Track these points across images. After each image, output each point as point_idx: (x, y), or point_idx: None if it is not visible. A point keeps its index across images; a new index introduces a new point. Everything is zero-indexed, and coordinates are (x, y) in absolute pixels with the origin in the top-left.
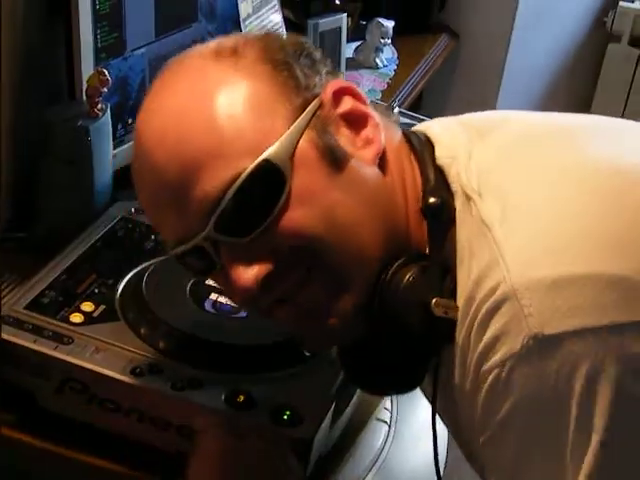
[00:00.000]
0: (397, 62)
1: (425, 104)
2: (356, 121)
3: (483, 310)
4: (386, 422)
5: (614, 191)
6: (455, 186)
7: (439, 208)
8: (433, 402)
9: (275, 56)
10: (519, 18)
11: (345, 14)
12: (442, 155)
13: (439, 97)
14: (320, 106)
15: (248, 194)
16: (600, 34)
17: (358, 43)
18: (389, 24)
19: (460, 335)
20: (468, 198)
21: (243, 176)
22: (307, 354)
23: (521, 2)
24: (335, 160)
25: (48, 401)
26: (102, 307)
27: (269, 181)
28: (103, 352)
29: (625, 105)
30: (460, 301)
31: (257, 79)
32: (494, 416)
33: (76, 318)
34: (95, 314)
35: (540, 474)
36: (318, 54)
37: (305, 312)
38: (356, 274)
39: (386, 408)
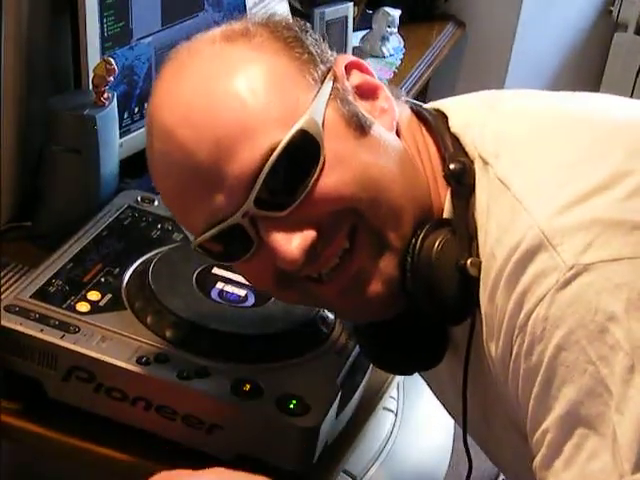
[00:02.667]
0: (403, 51)
1: (431, 93)
2: (368, 93)
3: (511, 264)
4: (392, 411)
5: (622, 138)
6: (472, 152)
7: (461, 173)
8: (465, 369)
9: (284, 34)
10: (525, 7)
11: (351, 3)
12: (456, 123)
13: (445, 86)
14: (336, 78)
15: (286, 164)
16: (606, 23)
17: (364, 32)
18: (395, 13)
19: (483, 298)
20: (485, 162)
21: (280, 146)
22: (314, 342)
23: None
24: (360, 125)
25: (55, 390)
26: (108, 296)
27: (305, 150)
28: (109, 341)
29: (632, 94)
30: (483, 255)
31: (274, 55)
32: (538, 366)
33: (82, 307)
34: (101, 303)
35: (592, 405)
36: (316, 34)
37: (351, 284)
38: (393, 233)
39: (392, 397)
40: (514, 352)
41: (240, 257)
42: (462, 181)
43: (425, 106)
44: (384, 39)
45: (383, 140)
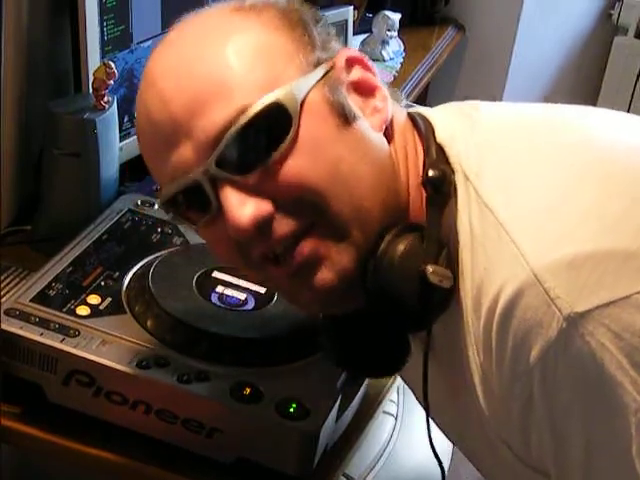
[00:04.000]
0: (403, 55)
1: (431, 96)
2: (365, 90)
3: (502, 301)
4: (392, 415)
5: (609, 170)
6: (455, 165)
7: (439, 181)
8: (424, 382)
9: (293, 15)
10: (525, 11)
11: (351, 7)
12: (442, 134)
13: (445, 89)
14: (333, 68)
15: (253, 130)
16: (606, 27)
17: (364, 36)
18: (395, 17)
19: (477, 326)
20: (466, 178)
21: (250, 110)
22: (314, 346)
23: None
24: (344, 116)
25: (55, 394)
26: (108, 300)
27: (275, 120)
28: (109, 345)
29: (632, 97)
30: (468, 287)
31: (276, 30)
32: (551, 421)
33: (82, 311)
34: (101, 307)
35: (612, 453)
36: (332, 30)
37: (300, 268)
38: (356, 230)
39: (392, 400)
40: (517, 394)
41: (198, 219)
42: (439, 189)
43: (411, 110)
44: (384, 43)
45: (364, 137)
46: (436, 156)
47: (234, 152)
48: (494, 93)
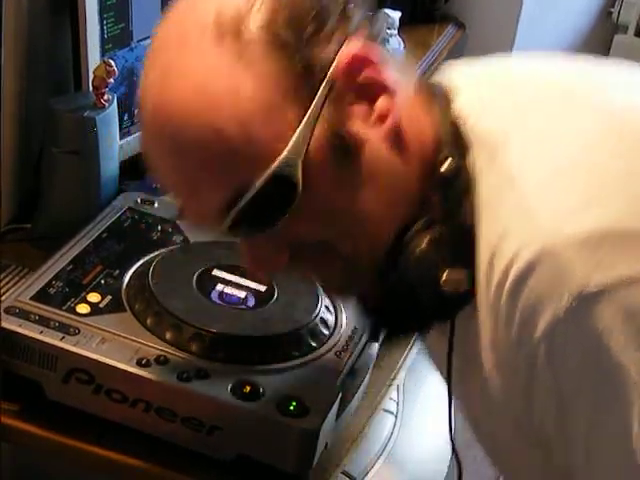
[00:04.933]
0: (403, 52)
1: None
2: (370, 92)
3: (515, 268)
4: (392, 413)
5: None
6: (475, 139)
7: (453, 175)
8: (448, 373)
9: (280, 33)
10: (525, 9)
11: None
12: (462, 106)
13: None
14: (332, 87)
15: (261, 200)
16: (606, 25)
17: None
18: (395, 15)
19: (487, 293)
20: (490, 150)
21: (257, 185)
22: (314, 344)
23: None
24: (347, 153)
25: (54, 392)
26: (108, 298)
27: (282, 185)
28: (109, 343)
29: None
30: (481, 259)
31: (262, 78)
32: (556, 392)
33: (82, 309)
34: (101, 305)
35: (613, 434)
36: (332, 5)
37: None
38: (370, 250)
39: (392, 399)
40: (521, 360)
41: None
42: (453, 183)
43: (438, 75)
44: (384, 41)
45: (372, 164)
46: (451, 140)
47: (245, 219)
48: None
